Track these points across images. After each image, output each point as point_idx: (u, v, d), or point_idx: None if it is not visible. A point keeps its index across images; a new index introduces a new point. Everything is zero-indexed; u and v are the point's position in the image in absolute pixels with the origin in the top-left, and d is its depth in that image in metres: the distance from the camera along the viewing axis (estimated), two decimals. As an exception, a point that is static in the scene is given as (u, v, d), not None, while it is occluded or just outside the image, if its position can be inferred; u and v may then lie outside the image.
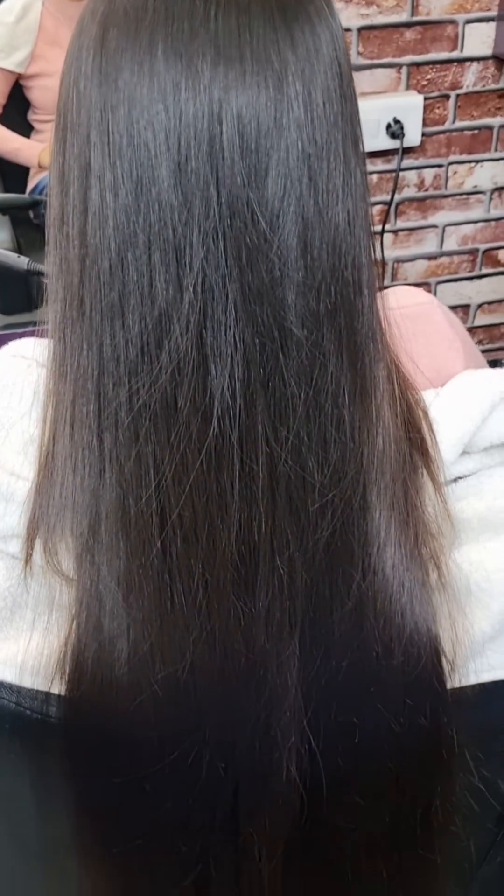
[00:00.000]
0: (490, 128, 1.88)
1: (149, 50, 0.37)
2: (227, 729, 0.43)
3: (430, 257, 2.03)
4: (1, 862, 0.58)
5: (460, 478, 0.48)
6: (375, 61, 1.76)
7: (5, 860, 0.57)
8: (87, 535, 0.43)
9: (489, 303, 2.14)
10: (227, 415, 0.40)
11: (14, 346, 0.53)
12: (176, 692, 0.43)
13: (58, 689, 0.44)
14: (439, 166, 1.90)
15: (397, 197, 1.91)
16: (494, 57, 1.80)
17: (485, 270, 2.08)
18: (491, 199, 1.97)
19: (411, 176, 1.90)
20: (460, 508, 0.47)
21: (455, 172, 1.92)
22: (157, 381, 0.40)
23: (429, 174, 1.91)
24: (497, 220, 2.01)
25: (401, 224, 1.97)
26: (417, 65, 1.78)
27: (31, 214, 2.15)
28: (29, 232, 2.20)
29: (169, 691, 0.43)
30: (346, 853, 0.47)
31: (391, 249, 1.99)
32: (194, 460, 0.41)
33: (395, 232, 1.98)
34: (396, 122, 1.80)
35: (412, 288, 0.64)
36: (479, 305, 2.13)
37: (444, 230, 2.00)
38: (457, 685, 0.45)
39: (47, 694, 0.44)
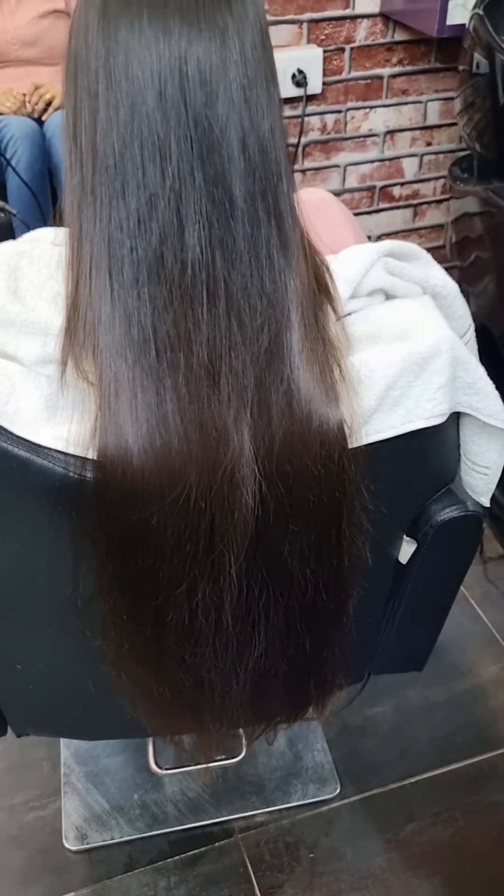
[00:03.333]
0: (380, 77, 2.06)
1: (137, 16, 0.57)
2: (206, 478, 0.64)
3: (335, 194, 2.22)
4: (38, 616, 0.78)
5: (351, 313, 0.71)
6: (280, 18, 1.92)
7: (42, 614, 0.77)
8: (107, 351, 0.63)
9: (387, 234, 2.33)
10: (197, 263, 0.61)
11: (31, 234, 0.73)
12: (171, 454, 0.63)
13: (92, 455, 0.64)
14: (339, 112, 2.07)
15: (304, 140, 2.07)
16: (382, 14, 1.98)
17: (381, 205, 2.26)
18: (384, 141, 2.16)
19: (315, 121, 2.07)
20: (353, 331, 0.69)
21: (353, 117, 2.09)
22: (149, 241, 0.60)
23: (330, 119, 2.08)
24: (390, 159, 2.20)
25: (308, 164, 2.14)
26: (316, 21, 1.94)
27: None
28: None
29: (167, 454, 0.63)
30: (287, 563, 0.70)
31: (300, 187, 2.18)
32: (177, 295, 0.61)
33: (303, 171, 2.14)
34: (300, 72, 1.96)
35: (313, 188, 0.85)
36: (378, 237, 2.30)
37: (345, 169, 2.17)
38: (354, 445, 0.68)
39: (84, 459, 0.64)
